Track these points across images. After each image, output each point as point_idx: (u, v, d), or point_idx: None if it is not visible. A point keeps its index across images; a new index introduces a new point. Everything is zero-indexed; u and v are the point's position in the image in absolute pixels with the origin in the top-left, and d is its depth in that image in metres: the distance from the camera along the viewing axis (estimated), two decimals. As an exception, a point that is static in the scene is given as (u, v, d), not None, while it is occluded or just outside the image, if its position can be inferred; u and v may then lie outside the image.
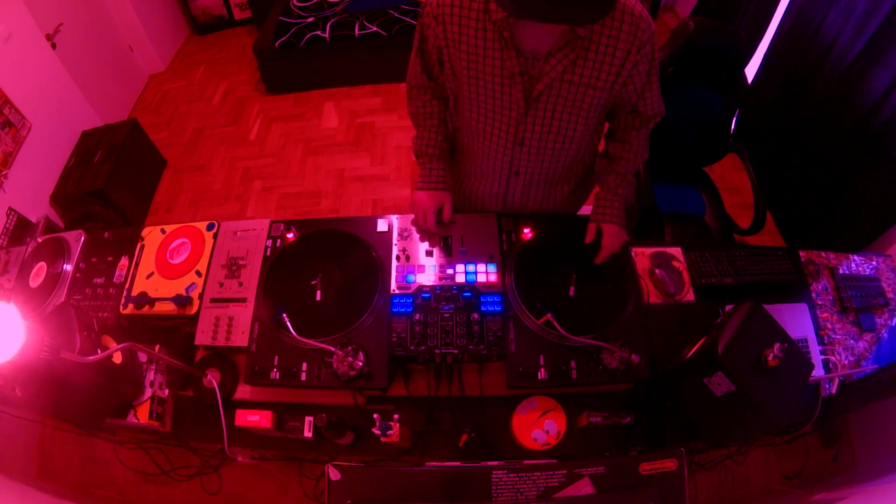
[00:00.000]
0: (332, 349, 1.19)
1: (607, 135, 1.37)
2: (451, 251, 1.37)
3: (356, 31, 3.37)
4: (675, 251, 1.50)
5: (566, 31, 1.02)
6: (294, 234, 1.43)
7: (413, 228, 1.41)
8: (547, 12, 0.83)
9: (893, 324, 1.47)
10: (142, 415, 1.31)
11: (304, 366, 1.22)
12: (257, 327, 1.28)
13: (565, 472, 0.99)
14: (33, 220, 2.62)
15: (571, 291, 1.29)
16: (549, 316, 1.20)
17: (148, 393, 1.34)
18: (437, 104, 1.33)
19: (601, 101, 1.15)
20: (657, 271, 1.44)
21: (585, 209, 1.59)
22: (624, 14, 1.02)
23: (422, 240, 1.39)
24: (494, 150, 1.29)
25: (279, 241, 1.43)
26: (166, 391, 1.35)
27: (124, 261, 1.50)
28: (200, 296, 1.38)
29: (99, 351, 1.17)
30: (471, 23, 1.06)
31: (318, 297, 1.30)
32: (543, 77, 1.09)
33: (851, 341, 1.44)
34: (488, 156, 1.32)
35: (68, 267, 1.51)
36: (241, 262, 1.41)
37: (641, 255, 1.48)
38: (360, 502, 0.98)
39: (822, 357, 1.40)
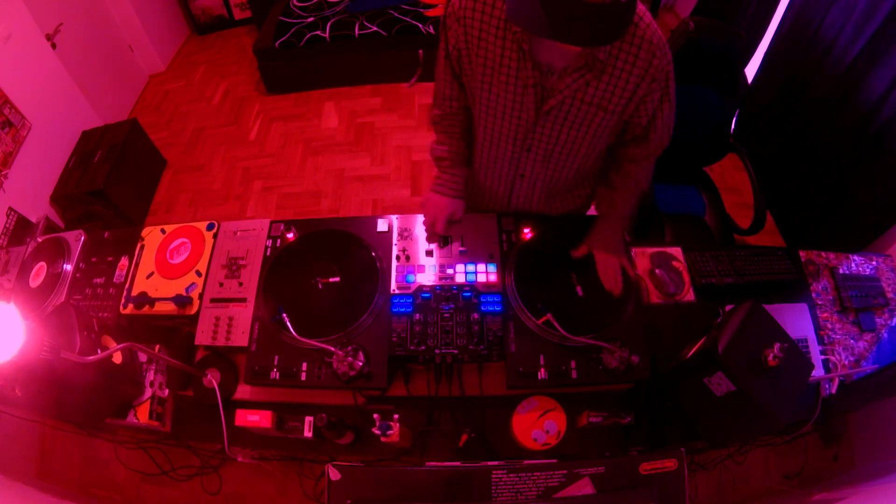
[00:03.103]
0: (332, 349, 1.19)
1: (608, 163, 1.37)
2: (451, 251, 1.37)
3: (356, 31, 3.37)
4: (675, 251, 1.50)
5: (585, 52, 1.02)
6: (294, 234, 1.43)
7: (413, 229, 1.41)
8: (583, 37, 0.84)
9: (893, 324, 1.47)
10: (142, 415, 1.31)
11: (304, 366, 1.22)
12: (257, 327, 1.28)
13: (565, 472, 0.99)
14: (33, 220, 2.62)
15: (573, 291, 1.29)
16: (549, 316, 1.20)
17: (148, 393, 1.34)
18: (462, 113, 1.33)
19: (610, 122, 1.15)
20: (657, 271, 1.44)
21: (591, 211, 1.60)
22: (643, 42, 1.02)
23: (427, 240, 1.39)
24: (501, 153, 1.30)
25: (279, 241, 1.43)
26: (166, 391, 1.35)
27: (124, 261, 1.50)
28: (200, 296, 1.38)
29: (99, 351, 1.17)
30: (491, 29, 1.07)
31: (318, 297, 1.30)
32: (556, 93, 1.09)
33: (851, 341, 1.44)
34: (495, 158, 1.33)
35: (68, 267, 1.51)
36: (241, 262, 1.41)
37: (641, 255, 1.48)
38: (360, 502, 0.98)
39: (822, 357, 1.40)
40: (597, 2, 0.79)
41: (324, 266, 1.35)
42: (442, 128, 1.36)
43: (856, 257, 1.58)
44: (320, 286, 1.32)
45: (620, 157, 1.32)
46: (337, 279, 1.33)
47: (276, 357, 1.24)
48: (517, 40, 1.05)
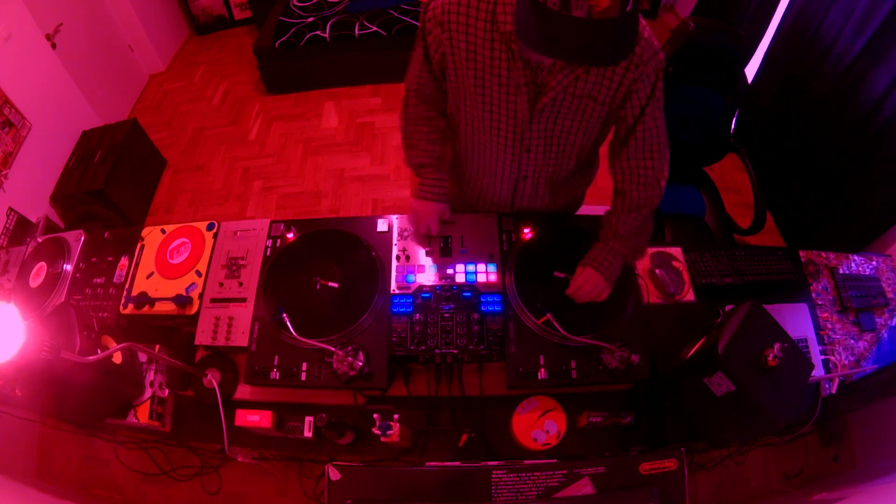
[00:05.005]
0: (332, 349, 1.19)
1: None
2: (451, 251, 1.37)
3: (356, 31, 3.37)
4: (675, 251, 1.50)
5: None
6: (294, 234, 1.43)
7: (413, 228, 1.41)
8: (577, 57, 0.86)
9: (893, 324, 1.47)
10: (142, 415, 1.31)
11: (304, 366, 1.22)
12: (257, 327, 1.28)
13: (565, 472, 0.99)
14: (33, 220, 2.62)
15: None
16: (549, 316, 1.20)
17: (148, 393, 1.34)
18: (440, 117, 1.31)
19: (601, 112, 1.15)
20: (657, 271, 1.44)
21: (586, 209, 1.60)
22: None
23: (421, 246, 1.39)
24: (502, 157, 1.29)
25: (279, 241, 1.43)
26: (166, 391, 1.35)
27: (124, 261, 1.50)
28: (200, 296, 1.38)
29: (99, 351, 1.17)
30: (478, 32, 1.06)
31: (318, 298, 1.30)
32: (548, 90, 1.09)
33: (851, 341, 1.44)
34: (496, 162, 1.32)
35: (68, 267, 1.51)
36: (241, 262, 1.41)
37: (641, 255, 1.48)
38: (360, 502, 0.99)
39: (822, 357, 1.40)
40: (602, 17, 0.77)
41: (324, 266, 1.35)
42: (421, 134, 1.32)
43: (856, 257, 1.58)
44: (320, 286, 1.32)
45: (614, 175, 1.27)
46: (337, 279, 1.33)
47: (276, 357, 1.24)
48: (505, 41, 1.04)
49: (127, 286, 1.44)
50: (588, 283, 1.22)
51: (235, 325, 1.31)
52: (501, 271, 1.33)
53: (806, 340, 1.41)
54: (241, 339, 1.29)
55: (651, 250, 1.49)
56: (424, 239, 1.39)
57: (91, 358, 1.00)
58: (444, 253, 1.37)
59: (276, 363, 1.23)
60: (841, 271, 1.53)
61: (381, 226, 1.43)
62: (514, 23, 0.96)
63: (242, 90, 3.81)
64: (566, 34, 0.80)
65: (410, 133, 1.34)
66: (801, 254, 1.57)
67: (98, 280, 1.48)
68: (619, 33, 0.81)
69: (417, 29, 1.16)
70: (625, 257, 1.25)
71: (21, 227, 2.53)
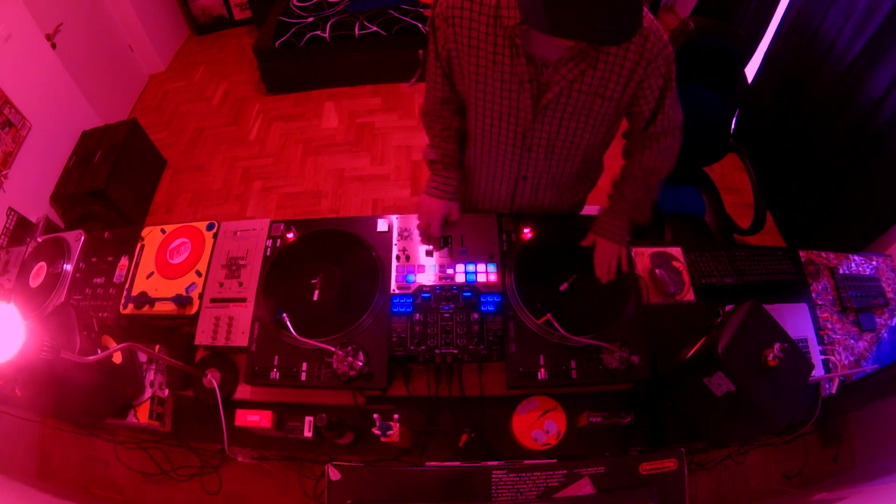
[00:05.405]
0: (332, 349, 1.19)
1: (622, 152, 1.37)
2: (451, 251, 1.37)
3: (356, 31, 3.37)
4: (675, 251, 1.50)
5: (578, 42, 1.02)
6: (294, 234, 1.43)
7: (413, 229, 1.41)
8: (584, 33, 0.86)
9: (893, 324, 1.47)
10: (142, 415, 1.31)
11: (304, 366, 1.22)
12: (257, 327, 1.28)
13: (565, 472, 0.99)
14: (33, 220, 2.62)
15: (573, 291, 1.29)
16: (549, 316, 1.20)
17: (148, 393, 1.34)
18: (454, 115, 1.32)
19: (609, 110, 1.14)
20: (657, 271, 1.44)
21: (588, 209, 1.60)
22: None
23: (422, 241, 1.39)
24: (502, 155, 1.29)
25: (279, 241, 1.43)
26: (166, 391, 1.35)
27: (124, 261, 1.50)
28: (200, 296, 1.38)
29: (99, 351, 1.17)
30: (481, 27, 1.05)
31: (318, 297, 1.30)
32: (553, 86, 1.08)
33: (851, 341, 1.44)
34: (496, 161, 1.32)
35: (68, 267, 1.51)
36: (241, 262, 1.41)
37: (641, 255, 1.48)
38: (360, 502, 0.99)
39: (822, 357, 1.40)
40: None
41: (324, 266, 1.35)
42: (434, 131, 1.34)
43: (856, 257, 1.58)
44: (320, 286, 1.32)
45: (628, 146, 1.32)
46: (337, 279, 1.33)
47: (276, 357, 1.24)
48: (509, 36, 1.03)
49: (127, 286, 1.44)
50: (605, 254, 1.29)
51: (235, 325, 1.31)
52: (501, 271, 1.33)
53: (806, 340, 1.41)
54: (241, 339, 1.29)
55: (651, 250, 1.49)
56: (426, 236, 1.39)
57: (91, 358, 1.00)
58: (444, 253, 1.37)
59: (276, 363, 1.23)
60: (841, 271, 1.53)
61: (381, 226, 1.43)
62: (518, 8, 0.96)
63: (242, 90, 3.81)
64: (569, 12, 0.82)
65: (427, 129, 1.37)
66: (801, 254, 1.57)
67: (98, 280, 1.48)
68: (622, 13, 0.83)
69: (427, 27, 1.17)
70: (630, 217, 1.32)
71: (21, 227, 2.52)
